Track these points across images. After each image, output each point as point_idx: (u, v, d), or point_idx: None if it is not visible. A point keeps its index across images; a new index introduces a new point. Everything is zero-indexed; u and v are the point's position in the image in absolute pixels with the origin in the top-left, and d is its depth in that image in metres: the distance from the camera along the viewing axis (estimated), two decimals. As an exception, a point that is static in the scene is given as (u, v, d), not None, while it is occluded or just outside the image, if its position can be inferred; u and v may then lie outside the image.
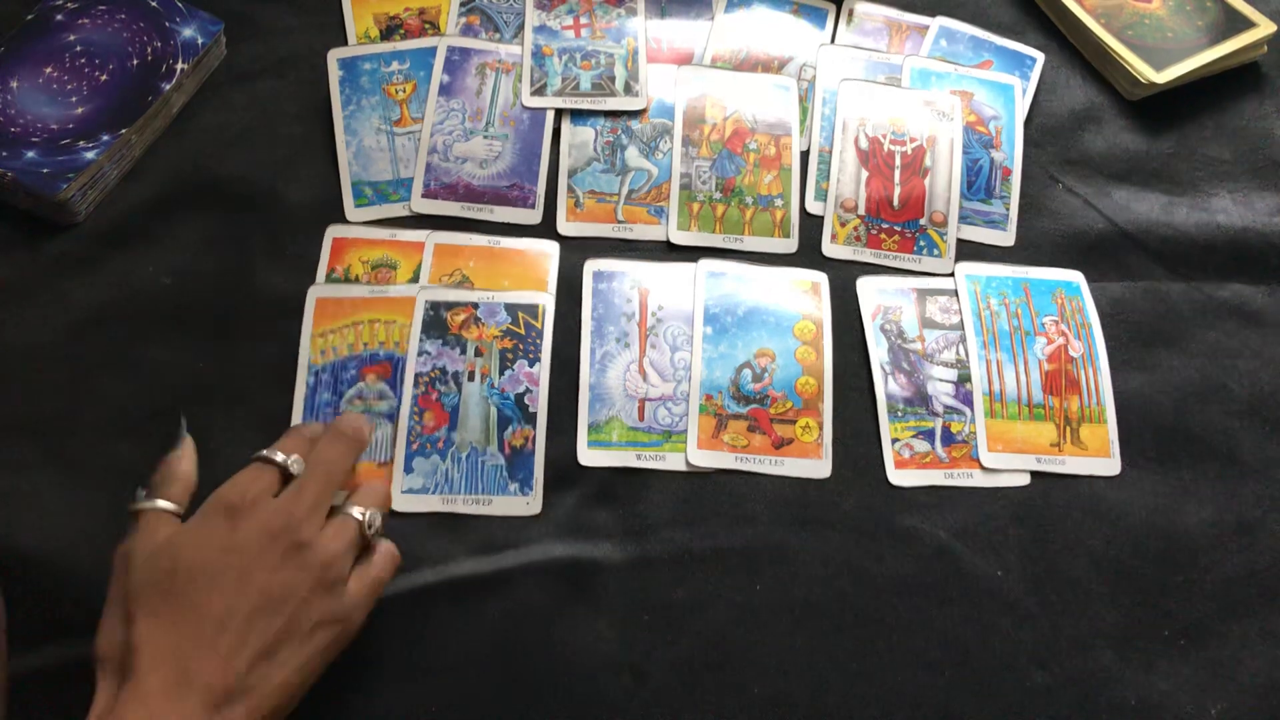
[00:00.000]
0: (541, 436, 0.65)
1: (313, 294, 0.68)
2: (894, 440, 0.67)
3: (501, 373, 0.67)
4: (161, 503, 0.53)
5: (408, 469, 0.64)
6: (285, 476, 0.54)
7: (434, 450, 0.64)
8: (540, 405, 0.66)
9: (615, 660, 0.59)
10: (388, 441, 0.64)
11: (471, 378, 0.66)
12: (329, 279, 0.70)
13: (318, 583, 0.50)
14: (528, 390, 0.66)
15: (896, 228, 0.75)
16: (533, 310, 0.69)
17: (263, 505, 0.52)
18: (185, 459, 0.57)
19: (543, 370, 0.67)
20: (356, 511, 0.54)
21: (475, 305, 0.68)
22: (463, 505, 0.63)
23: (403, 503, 0.63)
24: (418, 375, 0.66)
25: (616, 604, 0.61)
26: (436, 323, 0.68)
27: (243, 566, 0.49)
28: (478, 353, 0.67)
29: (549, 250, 0.72)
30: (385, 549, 0.56)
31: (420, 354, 0.67)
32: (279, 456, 0.54)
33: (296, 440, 0.56)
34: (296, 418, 0.65)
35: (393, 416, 0.65)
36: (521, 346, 0.67)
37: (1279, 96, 0.83)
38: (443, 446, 0.64)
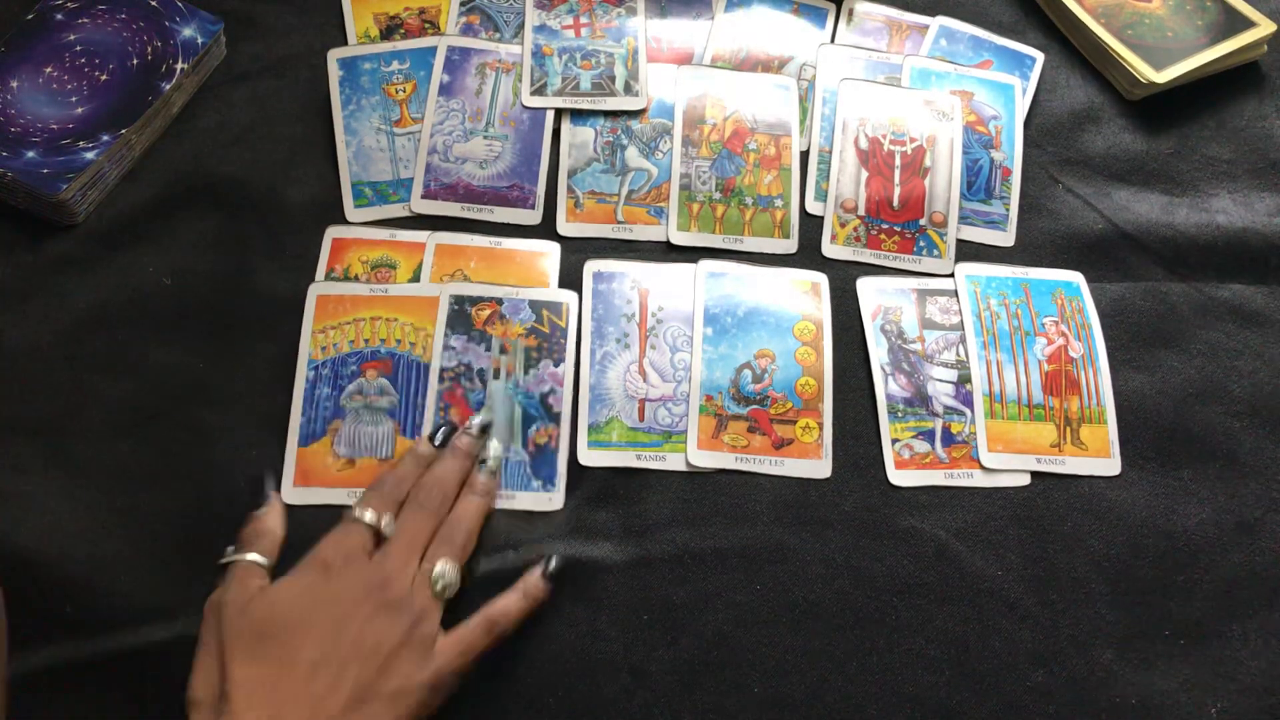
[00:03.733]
0: (565, 435, 0.65)
1: (313, 291, 0.68)
2: (894, 440, 0.67)
3: (526, 372, 0.67)
4: (252, 556, 0.55)
5: None
6: (377, 536, 0.56)
7: None
8: (564, 404, 0.66)
9: (615, 660, 0.59)
10: (390, 438, 0.64)
11: (497, 375, 0.66)
12: (328, 279, 0.70)
13: (407, 636, 0.52)
14: (552, 390, 0.66)
15: (896, 228, 0.75)
16: (556, 308, 0.69)
17: (357, 562, 0.54)
18: (273, 515, 0.59)
19: (567, 370, 0.67)
20: (438, 567, 0.56)
21: (500, 301, 0.69)
22: None
23: None
24: (443, 370, 0.66)
25: (616, 604, 0.61)
26: (461, 318, 0.68)
27: (336, 618, 0.52)
28: (503, 350, 0.67)
29: (549, 251, 0.72)
30: (480, 619, 0.56)
31: (445, 349, 0.67)
32: (369, 517, 0.56)
33: (383, 500, 0.58)
34: (295, 413, 0.65)
35: (394, 413, 0.65)
36: (546, 345, 0.67)
37: (1279, 96, 0.83)
38: None
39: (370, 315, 0.68)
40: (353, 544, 0.55)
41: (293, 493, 0.63)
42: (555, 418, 0.66)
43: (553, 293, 0.70)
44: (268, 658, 0.50)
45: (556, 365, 0.67)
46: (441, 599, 0.55)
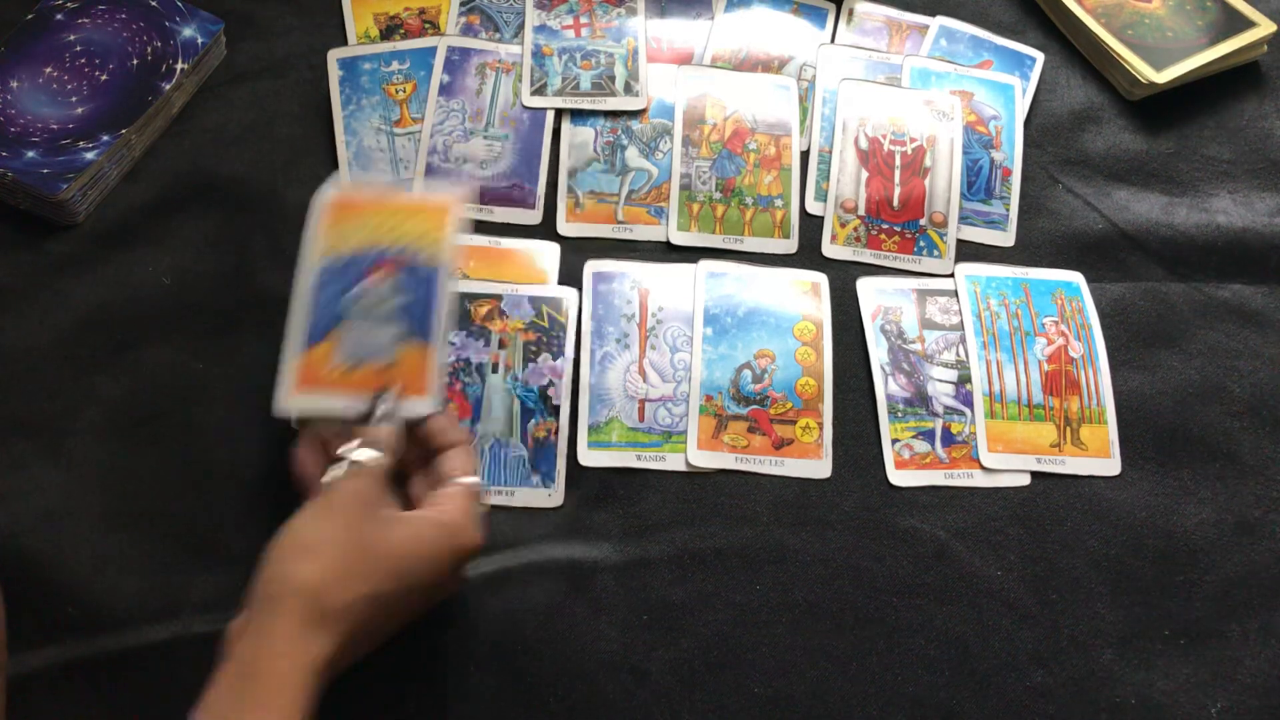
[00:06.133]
0: (564, 429, 0.65)
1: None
2: (894, 440, 0.67)
3: (524, 365, 0.67)
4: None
5: None
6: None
7: None
8: (563, 398, 0.66)
9: (615, 660, 0.59)
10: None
11: (495, 369, 0.67)
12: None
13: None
14: (551, 383, 0.66)
15: (896, 228, 0.75)
16: (556, 304, 0.69)
17: None
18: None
19: (566, 364, 0.67)
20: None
21: (499, 297, 0.69)
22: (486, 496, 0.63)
23: None
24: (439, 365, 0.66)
25: (616, 604, 0.61)
26: (460, 314, 0.68)
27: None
28: (501, 344, 0.67)
29: (549, 251, 0.72)
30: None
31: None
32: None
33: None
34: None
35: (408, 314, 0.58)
36: (544, 340, 0.68)
37: (1279, 96, 0.83)
38: None
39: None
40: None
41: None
42: (555, 412, 0.66)
43: (552, 289, 0.70)
44: None
45: (555, 359, 0.67)
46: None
